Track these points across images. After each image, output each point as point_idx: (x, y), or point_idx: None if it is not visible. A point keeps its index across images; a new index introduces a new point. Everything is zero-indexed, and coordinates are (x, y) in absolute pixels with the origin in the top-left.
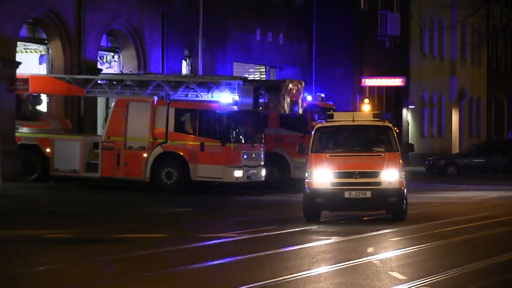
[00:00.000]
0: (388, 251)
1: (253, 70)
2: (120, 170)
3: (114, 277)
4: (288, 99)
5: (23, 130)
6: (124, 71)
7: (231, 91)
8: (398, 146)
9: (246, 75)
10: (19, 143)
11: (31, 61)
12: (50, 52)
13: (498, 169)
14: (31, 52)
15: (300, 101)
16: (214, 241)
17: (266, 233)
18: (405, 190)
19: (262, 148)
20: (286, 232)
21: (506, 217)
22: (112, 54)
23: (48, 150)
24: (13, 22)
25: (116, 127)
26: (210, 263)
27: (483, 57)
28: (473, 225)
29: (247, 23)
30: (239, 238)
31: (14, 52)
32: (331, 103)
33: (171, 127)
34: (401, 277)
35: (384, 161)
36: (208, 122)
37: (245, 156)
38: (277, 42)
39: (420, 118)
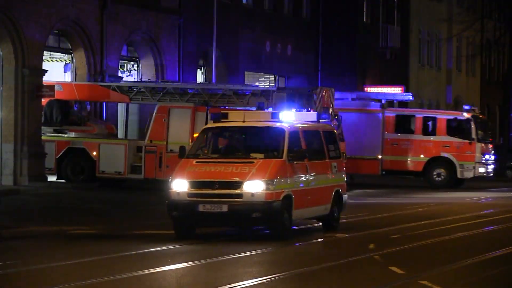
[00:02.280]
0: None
1: (263, 79)
2: (161, 172)
3: (131, 272)
4: (320, 106)
5: (71, 135)
6: (143, 79)
7: (265, 99)
8: (286, 152)
9: (257, 83)
10: (67, 147)
11: (56, 69)
12: (74, 61)
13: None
14: (56, 60)
15: (331, 107)
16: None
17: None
18: (293, 202)
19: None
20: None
21: (496, 216)
22: (132, 63)
23: (94, 153)
24: (40, 33)
25: (158, 132)
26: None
27: (477, 68)
28: (466, 223)
29: (257, 36)
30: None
31: (41, 60)
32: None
33: None
34: None
35: (253, 169)
36: None
37: None
38: (286, 53)
39: None
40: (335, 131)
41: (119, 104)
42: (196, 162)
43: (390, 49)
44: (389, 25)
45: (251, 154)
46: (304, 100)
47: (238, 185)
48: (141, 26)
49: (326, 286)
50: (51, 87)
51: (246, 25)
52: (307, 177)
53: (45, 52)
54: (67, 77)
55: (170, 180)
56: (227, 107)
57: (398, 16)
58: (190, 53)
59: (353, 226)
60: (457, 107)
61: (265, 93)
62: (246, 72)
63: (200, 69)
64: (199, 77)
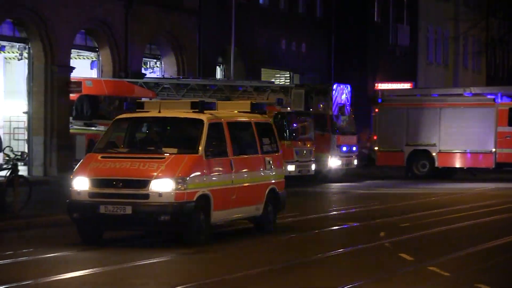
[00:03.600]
0: None
1: (278, 75)
2: None
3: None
4: (336, 102)
5: (100, 128)
6: (165, 76)
7: (284, 95)
8: (203, 146)
9: (273, 80)
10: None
11: (83, 66)
12: (100, 58)
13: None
14: (83, 58)
15: (347, 103)
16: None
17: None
18: (211, 202)
19: (313, 146)
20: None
21: (502, 206)
22: (154, 60)
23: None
24: (68, 32)
25: None
26: None
27: (482, 64)
28: (474, 212)
29: (273, 34)
30: None
31: (69, 58)
32: None
33: None
34: None
35: (162, 166)
36: None
37: (297, 152)
38: (300, 51)
39: None
40: (271, 123)
41: (143, 99)
42: (102, 157)
43: (400, 47)
44: (398, 24)
45: (163, 149)
46: (321, 96)
47: (144, 184)
48: (164, 25)
49: (338, 271)
50: (78, 83)
51: (262, 24)
52: (231, 174)
53: (72, 50)
54: (93, 74)
55: (71, 177)
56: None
57: (407, 15)
58: (210, 51)
59: (365, 216)
60: None
61: (284, 89)
62: (262, 69)
63: (219, 66)
64: (218, 74)
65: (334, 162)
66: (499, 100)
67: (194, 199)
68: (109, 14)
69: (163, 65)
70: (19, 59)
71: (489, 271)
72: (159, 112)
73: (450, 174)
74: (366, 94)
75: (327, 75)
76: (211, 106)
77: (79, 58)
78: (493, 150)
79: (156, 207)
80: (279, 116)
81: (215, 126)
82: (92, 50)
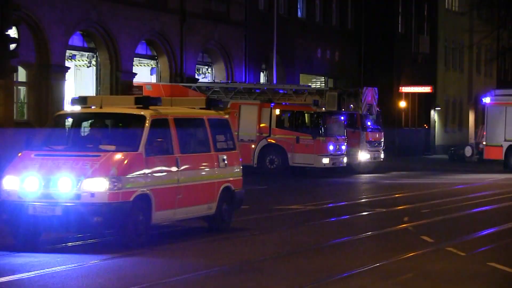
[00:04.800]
0: None
1: (314, 80)
2: None
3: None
4: (365, 103)
5: None
6: (216, 81)
7: (320, 97)
8: (144, 143)
9: (309, 84)
10: None
11: (144, 72)
12: (158, 65)
13: None
14: (144, 65)
15: (374, 104)
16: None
17: None
18: (152, 202)
19: (345, 141)
20: None
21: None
22: (206, 67)
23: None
24: (131, 42)
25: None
26: None
27: (493, 70)
28: (487, 200)
29: (310, 43)
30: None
31: (131, 65)
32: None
33: (273, 124)
34: None
35: (96, 164)
36: (302, 120)
37: (331, 147)
38: (334, 58)
39: (445, 117)
40: (227, 118)
41: None
42: (35, 155)
43: (421, 54)
44: (420, 34)
45: (101, 146)
46: (352, 98)
47: (75, 183)
48: (214, 36)
49: (367, 251)
50: (139, 87)
51: (300, 35)
52: (177, 173)
53: (134, 58)
54: (153, 79)
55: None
56: (288, 103)
57: (427, 27)
58: (254, 58)
59: (391, 203)
60: (477, 103)
61: (319, 92)
62: (300, 74)
63: (263, 72)
64: (262, 79)
65: (363, 156)
66: None
67: (131, 199)
68: (166, 27)
69: (213, 71)
70: (88, 67)
71: (500, 251)
72: (101, 107)
73: None
74: (392, 97)
75: (357, 80)
76: (156, 102)
77: (141, 65)
78: None
79: (88, 208)
80: (315, 115)
81: (159, 123)
82: (151, 58)
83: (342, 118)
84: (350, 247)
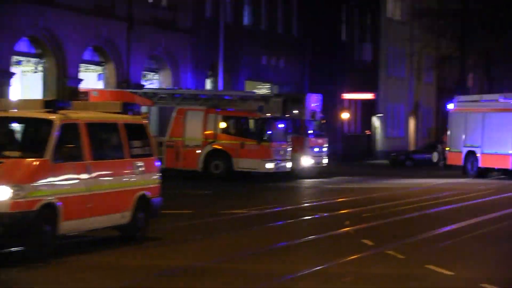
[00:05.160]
0: None
1: (260, 86)
2: (179, 163)
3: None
4: (309, 109)
5: None
6: (162, 87)
7: (265, 103)
8: (51, 149)
9: (255, 90)
10: None
11: (91, 79)
12: (106, 71)
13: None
14: (91, 71)
15: (318, 111)
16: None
17: None
18: (59, 212)
19: (289, 146)
20: None
21: (448, 198)
22: (152, 73)
23: None
24: (77, 49)
25: (177, 130)
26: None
27: (434, 78)
28: (425, 204)
29: (256, 50)
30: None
31: (78, 71)
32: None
33: (218, 130)
34: None
35: None
36: (247, 126)
37: (275, 152)
38: (279, 65)
39: (386, 123)
40: (144, 124)
41: (143, 107)
42: None
43: (363, 62)
44: (363, 42)
45: (5, 152)
46: (296, 104)
47: None
48: (161, 43)
49: (309, 254)
50: (85, 93)
51: (246, 42)
52: (88, 180)
53: (81, 64)
54: (100, 85)
55: None
56: (233, 109)
57: (370, 35)
58: (201, 65)
59: (333, 208)
60: (418, 109)
61: (264, 98)
62: (246, 81)
63: (209, 78)
64: (208, 85)
65: (306, 161)
66: None
67: (35, 208)
68: (113, 33)
69: (160, 77)
70: (34, 72)
71: (438, 254)
72: (7, 111)
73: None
74: (335, 103)
75: (302, 86)
76: (65, 106)
77: (88, 71)
78: (510, 152)
79: None
80: (260, 121)
81: (68, 127)
82: (99, 64)
83: (287, 124)
84: (293, 251)
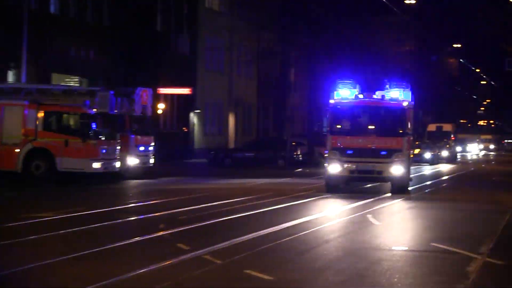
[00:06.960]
0: None
1: (68, 80)
2: None
3: None
4: (139, 104)
5: None
6: None
7: (90, 97)
8: None
9: (63, 83)
10: None
11: None
12: None
13: (265, 160)
14: None
15: (149, 106)
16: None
17: None
18: None
19: (118, 144)
20: None
21: (272, 198)
22: None
23: None
24: None
25: None
26: None
27: (254, 72)
28: (245, 205)
29: (64, 40)
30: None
31: None
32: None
33: (40, 127)
34: None
35: None
36: (71, 123)
37: (103, 151)
38: (89, 57)
39: (204, 120)
40: None
41: None
42: None
43: (180, 54)
44: (179, 33)
45: None
46: (125, 99)
47: None
48: None
49: (123, 260)
50: None
51: (53, 32)
52: None
53: None
54: None
55: None
56: (57, 104)
57: (187, 25)
58: (2, 56)
59: (145, 210)
60: (238, 105)
61: (91, 92)
62: (54, 74)
63: (11, 71)
64: (10, 78)
65: (132, 161)
66: None
67: None
68: None
69: None
70: None
71: (255, 258)
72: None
73: None
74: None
75: (114, 81)
76: None
77: None
78: None
79: None
80: (86, 117)
81: None
82: None
83: (115, 120)
84: (106, 256)
